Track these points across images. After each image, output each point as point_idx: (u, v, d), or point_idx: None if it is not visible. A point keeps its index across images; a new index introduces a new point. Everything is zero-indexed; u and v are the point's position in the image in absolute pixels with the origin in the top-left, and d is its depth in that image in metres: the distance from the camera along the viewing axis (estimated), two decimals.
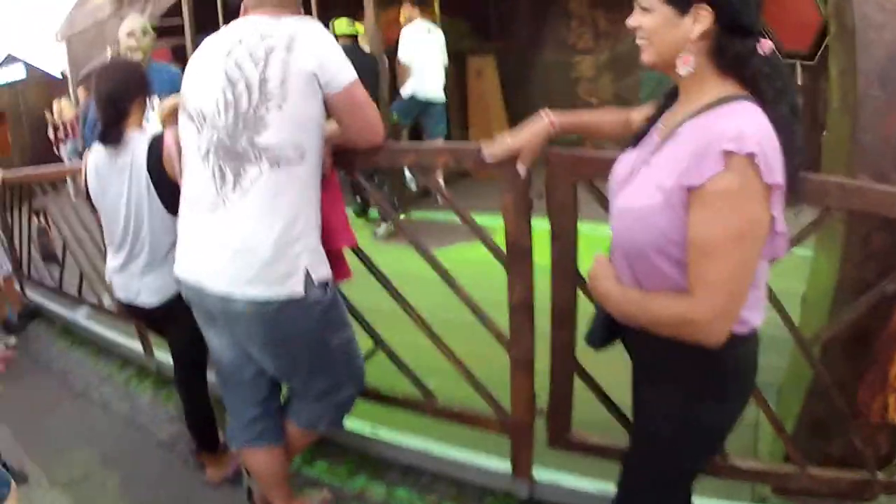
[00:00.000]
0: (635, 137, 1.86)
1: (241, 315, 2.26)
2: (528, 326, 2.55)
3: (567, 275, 2.40)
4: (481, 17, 10.33)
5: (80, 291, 5.45)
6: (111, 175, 2.97)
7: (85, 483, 3.45)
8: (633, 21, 1.67)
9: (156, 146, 2.86)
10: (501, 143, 2.24)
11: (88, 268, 5.18)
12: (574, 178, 2.29)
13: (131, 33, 4.73)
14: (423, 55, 7.49)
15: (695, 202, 1.48)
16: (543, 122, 2.15)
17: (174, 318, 2.96)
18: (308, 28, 2.25)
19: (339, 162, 2.56)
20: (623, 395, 2.15)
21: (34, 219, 5.98)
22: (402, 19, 7.71)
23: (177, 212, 2.56)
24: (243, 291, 2.20)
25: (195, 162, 2.32)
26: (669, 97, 1.80)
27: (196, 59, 2.42)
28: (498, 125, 9.09)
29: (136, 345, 4.66)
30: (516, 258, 2.47)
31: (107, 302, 5.08)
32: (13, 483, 2.55)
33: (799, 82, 7.49)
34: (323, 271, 2.32)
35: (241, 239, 2.19)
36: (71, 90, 13.66)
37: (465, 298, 2.66)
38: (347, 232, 2.62)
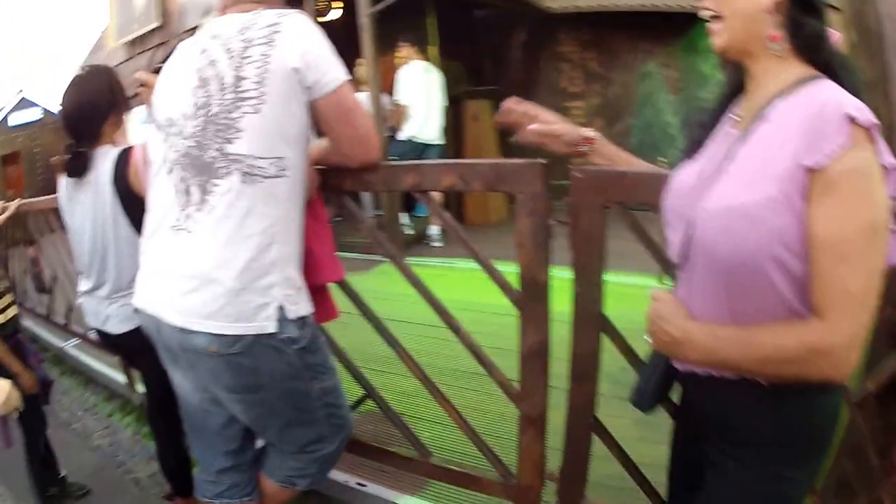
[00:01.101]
0: (689, 148, 1.47)
1: (202, 353, 1.83)
2: (541, 378, 2.05)
3: (591, 318, 1.91)
4: (476, 61, 10.06)
5: (67, 321, 5.34)
6: (77, 194, 2.59)
7: None
8: None
9: (122, 160, 2.47)
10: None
11: (75, 298, 4.81)
12: (603, 201, 1.82)
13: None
14: (422, 96, 7.14)
15: (818, 188, 1.13)
16: (583, 130, 1.83)
17: (144, 349, 2.45)
18: (293, 20, 1.85)
19: (326, 183, 2.14)
20: (635, 453, 1.91)
21: (28, 249, 5.75)
22: (397, 60, 7.39)
23: None
24: (204, 325, 1.79)
25: (160, 177, 1.93)
26: (725, 97, 1.47)
27: (169, 64, 2.03)
28: None
29: (120, 377, 4.33)
30: (531, 296, 1.99)
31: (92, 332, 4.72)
32: None
33: None
34: (301, 307, 1.89)
35: (204, 265, 1.78)
36: None
37: (469, 343, 2.17)
38: (334, 265, 2.21)
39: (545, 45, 9.62)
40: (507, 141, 9.10)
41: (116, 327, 2.62)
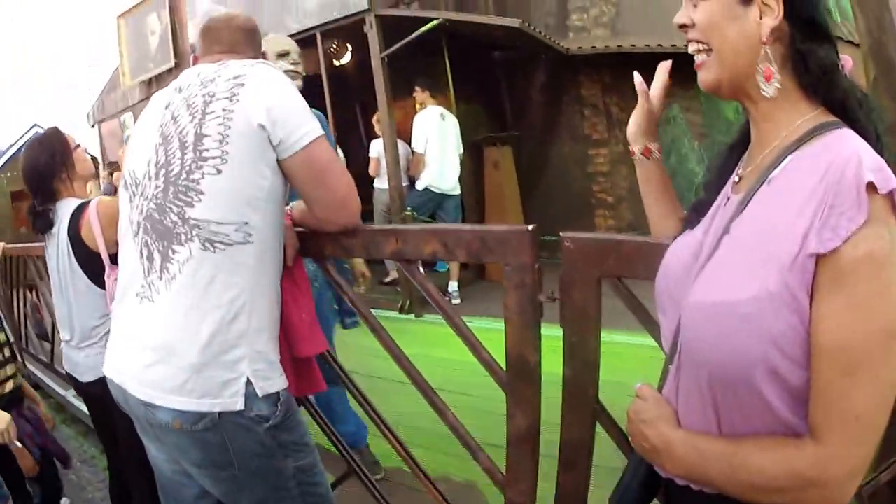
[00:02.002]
0: (691, 215, 1.29)
1: (167, 427, 1.71)
2: (529, 464, 1.87)
3: (583, 403, 1.74)
4: (497, 104, 9.97)
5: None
6: (48, 247, 2.78)
7: None
8: (681, 17, 1.19)
9: (76, 215, 2.61)
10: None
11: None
12: (598, 274, 1.66)
13: (285, 53, 3.33)
14: (438, 144, 7.04)
15: (827, 279, 0.94)
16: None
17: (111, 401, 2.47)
18: (258, 72, 1.76)
19: (305, 248, 2.02)
20: None
21: (29, 294, 5.80)
22: (417, 105, 7.34)
23: (102, 285, 2.43)
24: (167, 400, 1.68)
25: (127, 239, 1.84)
26: (733, 149, 1.29)
27: (141, 118, 1.95)
28: (515, 219, 8.66)
29: None
30: (519, 377, 1.82)
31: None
32: None
33: None
34: (273, 383, 1.76)
35: (166, 337, 1.68)
36: (100, 173, 13.68)
37: (452, 423, 2.00)
38: (315, 335, 2.06)
39: (566, 87, 9.55)
40: (529, 189, 9.16)
41: (84, 375, 2.69)
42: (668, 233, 1.50)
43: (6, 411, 2.79)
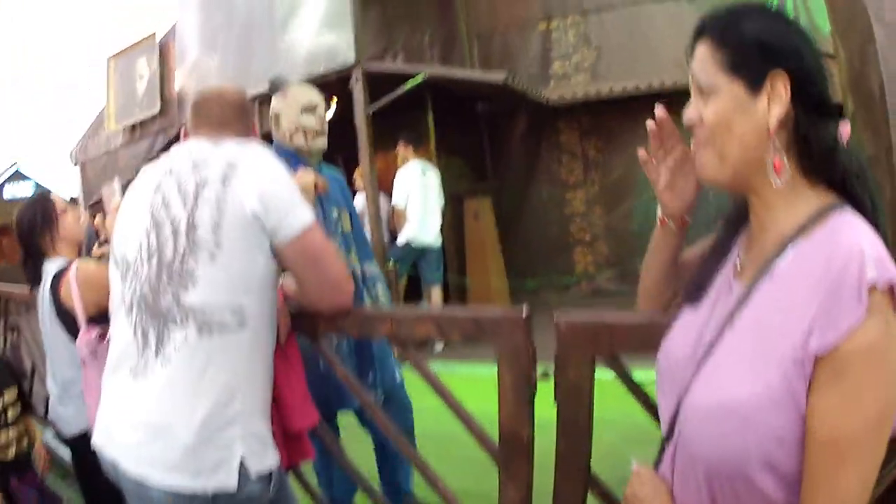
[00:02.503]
0: (691, 292, 1.29)
1: None
2: None
3: (576, 476, 1.75)
4: (478, 156, 10.11)
5: (45, 413, 5.07)
6: (37, 298, 2.84)
7: None
8: (691, 114, 1.17)
9: (58, 276, 2.69)
10: None
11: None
12: (593, 352, 1.69)
13: (312, 107, 2.95)
14: (419, 199, 7.11)
15: (825, 374, 0.96)
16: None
17: (88, 454, 2.46)
18: (250, 155, 1.79)
19: (298, 325, 2.03)
20: None
21: (10, 335, 5.76)
22: (399, 160, 7.39)
23: None
24: (160, 479, 1.67)
25: (119, 315, 1.84)
26: (730, 224, 1.29)
27: (129, 193, 1.94)
28: (496, 269, 8.80)
29: None
30: (511, 453, 1.83)
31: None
32: None
33: None
34: (265, 462, 1.76)
35: (161, 417, 1.68)
36: (81, 214, 13.43)
37: (432, 478, 2.00)
38: (307, 409, 2.08)
39: (545, 135, 9.74)
40: (508, 235, 9.24)
41: (65, 429, 2.74)
42: (657, 304, 1.54)
43: (5, 478, 2.85)
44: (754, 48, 1.08)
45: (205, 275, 1.67)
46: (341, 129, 8.91)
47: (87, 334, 2.49)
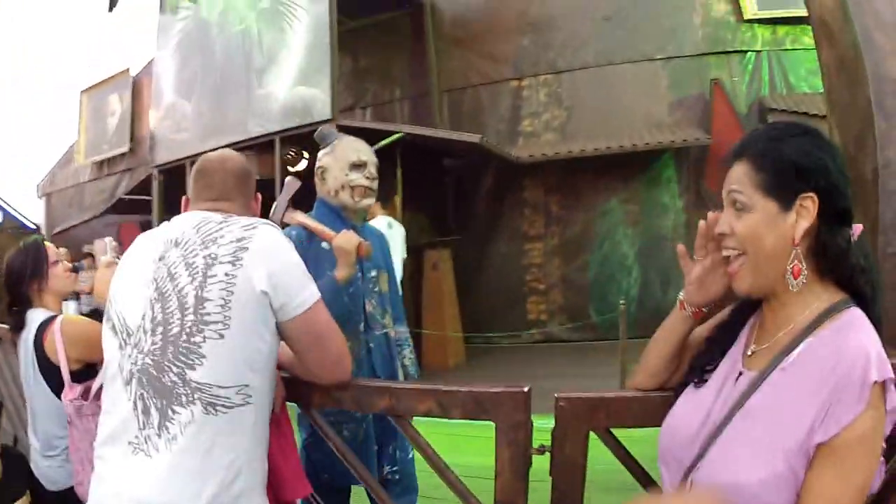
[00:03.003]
0: (695, 372, 1.39)
1: None
2: None
3: None
4: (442, 210, 10.25)
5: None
6: (19, 347, 2.76)
7: None
8: (723, 227, 1.30)
9: (42, 328, 2.64)
10: None
11: (23, 434, 4.65)
12: (588, 427, 1.74)
13: (361, 164, 2.77)
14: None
15: (823, 456, 1.11)
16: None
17: None
18: (261, 234, 1.77)
19: (293, 394, 2.02)
20: None
21: None
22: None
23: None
24: None
25: (116, 384, 1.76)
26: (740, 311, 1.40)
27: (127, 257, 1.90)
28: (451, 318, 8.87)
29: None
30: None
31: None
32: None
33: None
34: None
35: (164, 499, 1.62)
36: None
37: None
38: (299, 480, 2.05)
39: (510, 191, 9.92)
40: (466, 286, 9.28)
41: (49, 485, 2.67)
42: (656, 383, 1.60)
43: None
44: (790, 173, 1.20)
45: (212, 352, 1.65)
46: (313, 185, 8.91)
47: (71, 391, 2.43)
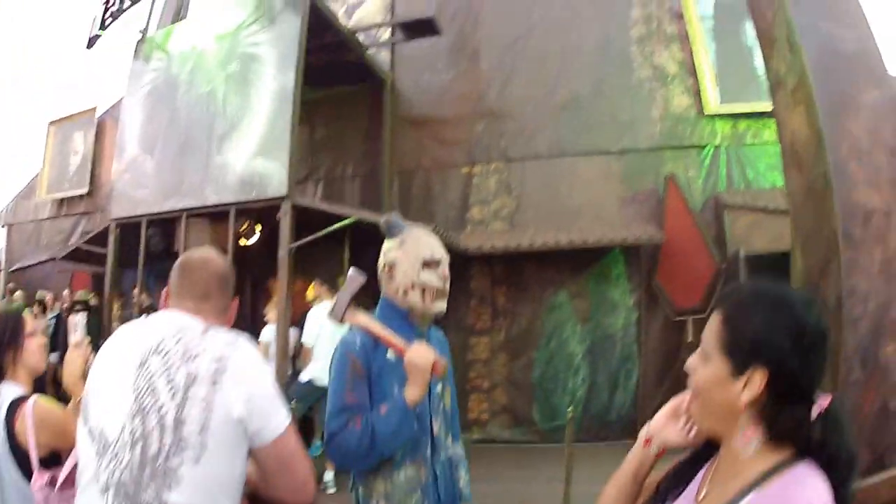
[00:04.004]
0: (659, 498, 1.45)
1: None
2: None
3: None
4: None
5: None
6: None
7: None
8: (689, 365, 1.39)
9: (12, 409, 2.51)
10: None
11: None
12: None
13: (435, 263, 2.58)
14: (328, 340, 6.98)
15: None
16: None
17: None
18: (240, 355, 1.84)
19: None
20: None
21: None
22: (309, 296, 7.45)
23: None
24: None
25: (91, 492, 1.80)
26: (697, 457, 1.45)
27: (106, 353, 1.95)
28: None
29: None
30: None
31: None
32: None
33: (690, 338, 7.64)
34: None
35: None
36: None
37: None
38: None
39: (457, 280, 9.55)
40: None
41: None
42: None
43: None
44: (748, 342, 1.27)
45: (188, 475, 1.71)
46: (264, 258, 8.76)
47: (39, 478, 2.37)
